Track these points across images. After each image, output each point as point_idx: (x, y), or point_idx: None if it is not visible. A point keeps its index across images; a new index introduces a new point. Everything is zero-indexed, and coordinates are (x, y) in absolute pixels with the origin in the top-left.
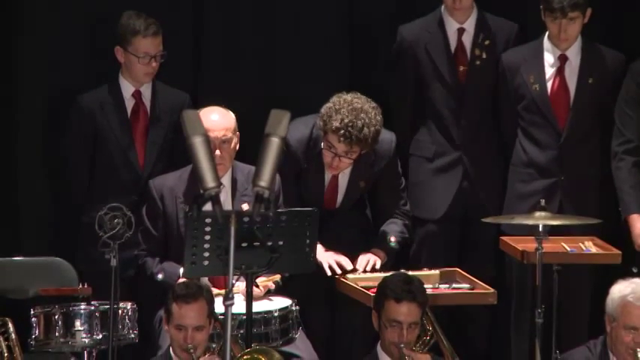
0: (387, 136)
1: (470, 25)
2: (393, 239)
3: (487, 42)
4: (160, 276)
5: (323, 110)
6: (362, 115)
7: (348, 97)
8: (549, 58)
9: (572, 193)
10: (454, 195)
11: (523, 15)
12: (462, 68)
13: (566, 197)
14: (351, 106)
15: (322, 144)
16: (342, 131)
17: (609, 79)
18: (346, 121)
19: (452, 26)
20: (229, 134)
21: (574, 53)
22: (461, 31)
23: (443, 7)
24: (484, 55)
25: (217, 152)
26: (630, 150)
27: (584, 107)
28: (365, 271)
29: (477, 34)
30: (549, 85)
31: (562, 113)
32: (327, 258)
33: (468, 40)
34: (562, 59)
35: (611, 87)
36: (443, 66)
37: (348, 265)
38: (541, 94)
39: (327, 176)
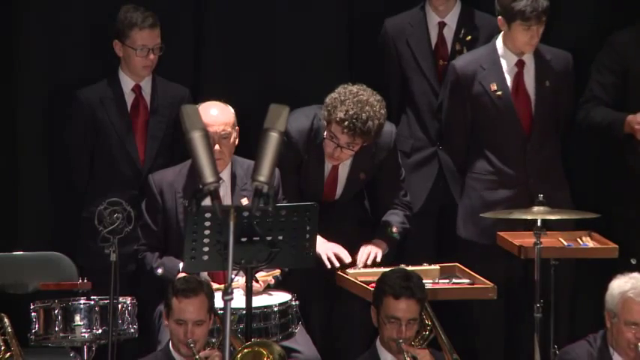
0: (388, 128)
1: (452, 20)
2: (394, 229)
3: (469, 37)
4: (159, 271)
5: (328, 100)
6: (367, 107)
7: (354, 88)
8: (505, 64)
9: (545, 194)
10: (429, 190)
11: None
12: (441, 62)
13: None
14: (356, 98)
15: (324, 134)
16: (347, 122)
17: (562, 78)
18: (351, 112)
19: (433, 20)
20: (228, 129)
21: (528, 57)
22: (442, 25)
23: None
24: (465, 50)
25: (216, 147)
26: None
27: (545, 110)
28: (365, 266)
29: (458, 29)
30: (511, 91)
31: (526, 119)
32: (325, 250)
33: (449, 34)
34: (519, 65)
35: (564, 86)
36: (423, 60)
37: (347, 258)
38: (505, 101)
39: (327, 168)
